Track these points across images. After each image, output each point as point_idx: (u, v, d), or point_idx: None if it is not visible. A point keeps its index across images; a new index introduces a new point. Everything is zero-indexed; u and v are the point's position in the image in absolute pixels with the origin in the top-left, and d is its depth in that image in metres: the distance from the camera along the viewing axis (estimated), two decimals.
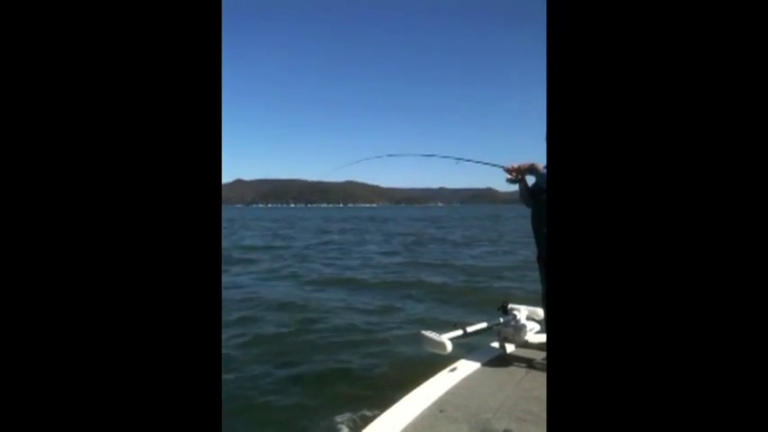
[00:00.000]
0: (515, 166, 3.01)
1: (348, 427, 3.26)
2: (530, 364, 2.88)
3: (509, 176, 3.04)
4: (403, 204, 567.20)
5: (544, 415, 2.19)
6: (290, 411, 3.63)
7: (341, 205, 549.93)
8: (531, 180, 3.05)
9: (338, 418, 3.34)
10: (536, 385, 2.58)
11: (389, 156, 4.24)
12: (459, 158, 3.56)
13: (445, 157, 3.65)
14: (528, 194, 3.04)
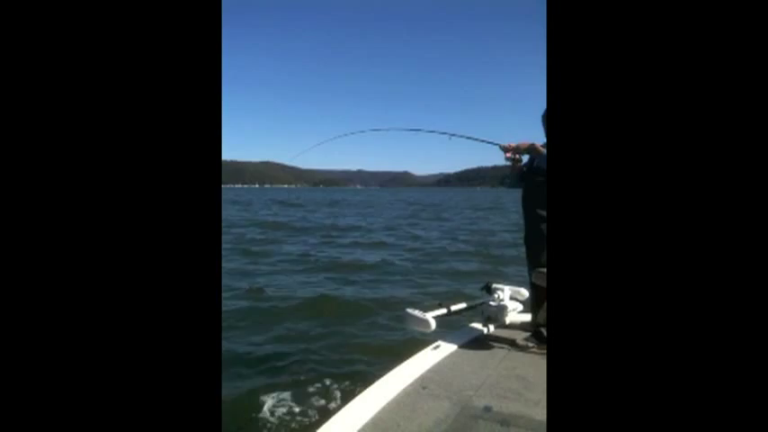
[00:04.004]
0: (513, 144, 2.99)
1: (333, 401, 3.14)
2: (511, 343, 2.90)
3: (507, 155, 3.01)
4: (321, 186, 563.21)
5: (524, 393, 2.21)
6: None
7: (257, 186, 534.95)
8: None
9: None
10: (517, 364, 2.61)
11: (374, 130, 3.95)
12: (453, 134, 3.48)
13: (442, 133, 3.50)
14: (519, 175, 3.04)
